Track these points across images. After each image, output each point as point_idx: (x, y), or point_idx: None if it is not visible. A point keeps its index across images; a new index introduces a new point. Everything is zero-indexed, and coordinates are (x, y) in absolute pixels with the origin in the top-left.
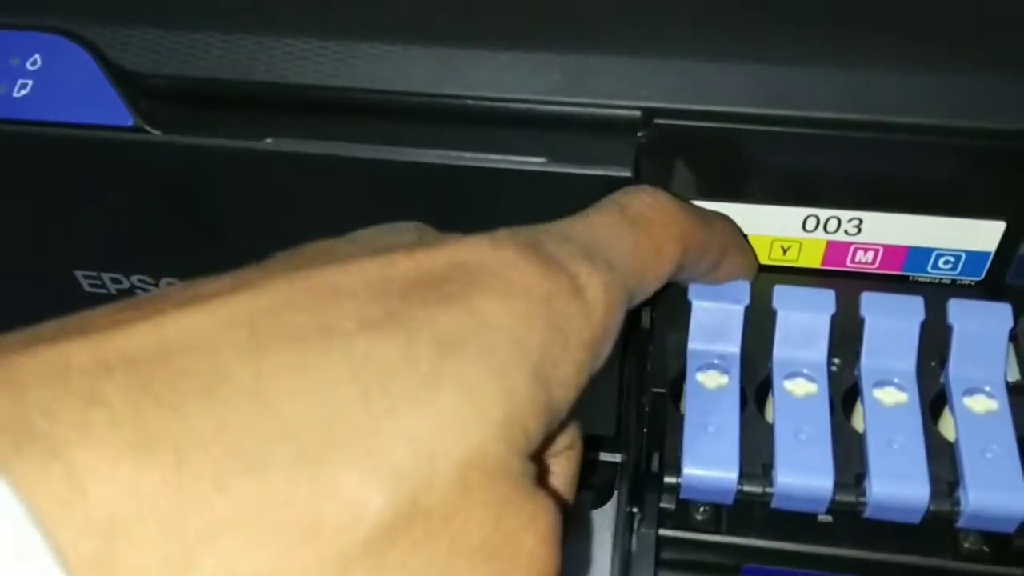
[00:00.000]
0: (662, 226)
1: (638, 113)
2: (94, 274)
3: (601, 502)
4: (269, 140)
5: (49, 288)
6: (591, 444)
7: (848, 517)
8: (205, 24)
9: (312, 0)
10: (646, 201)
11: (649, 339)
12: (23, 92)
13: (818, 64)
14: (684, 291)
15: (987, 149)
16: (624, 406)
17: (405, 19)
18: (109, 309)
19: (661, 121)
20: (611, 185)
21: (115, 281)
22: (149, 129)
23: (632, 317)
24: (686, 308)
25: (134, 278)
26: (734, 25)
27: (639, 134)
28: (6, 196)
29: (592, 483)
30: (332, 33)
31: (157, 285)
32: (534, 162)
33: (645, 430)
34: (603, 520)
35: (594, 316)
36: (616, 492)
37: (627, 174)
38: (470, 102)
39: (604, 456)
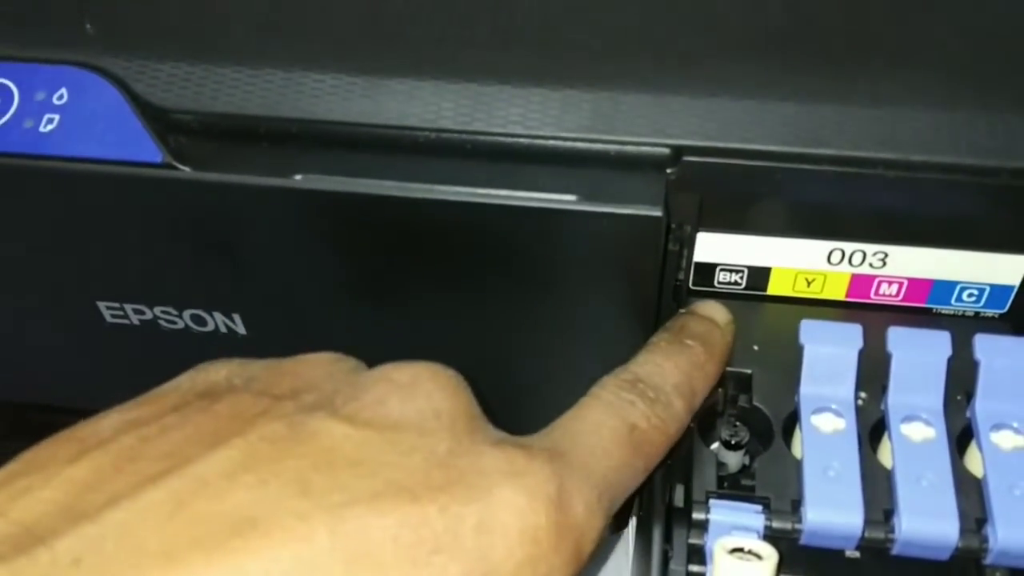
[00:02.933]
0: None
1: (667, 151)
2: (117, 305)
3: (618, 528)
4: (298, 177)
5: (71, 319)
6: None
7: (876, 553)
8: (233, 59)
9: (341, 36)
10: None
11: None
12: (50, 127)
13: (845, 102)
14: None
15: (1011, 187)
16: None
17: (434, 56)
18: None
19: (690, 159)
20: (640, 223)
21: (138, 312)
22: (178, 165)
23: None
24: None
25: (157, 309)
26: (761, 63)
27: (668, 171)
28: (31, 228)
29: None
30: (361, 69)
31: (180, 316)
32: (564, 200)
33: (669, 462)
34: (618, 545)
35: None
36: (634, 517)
37: (657, 214)
38: (499, 139)
39: None
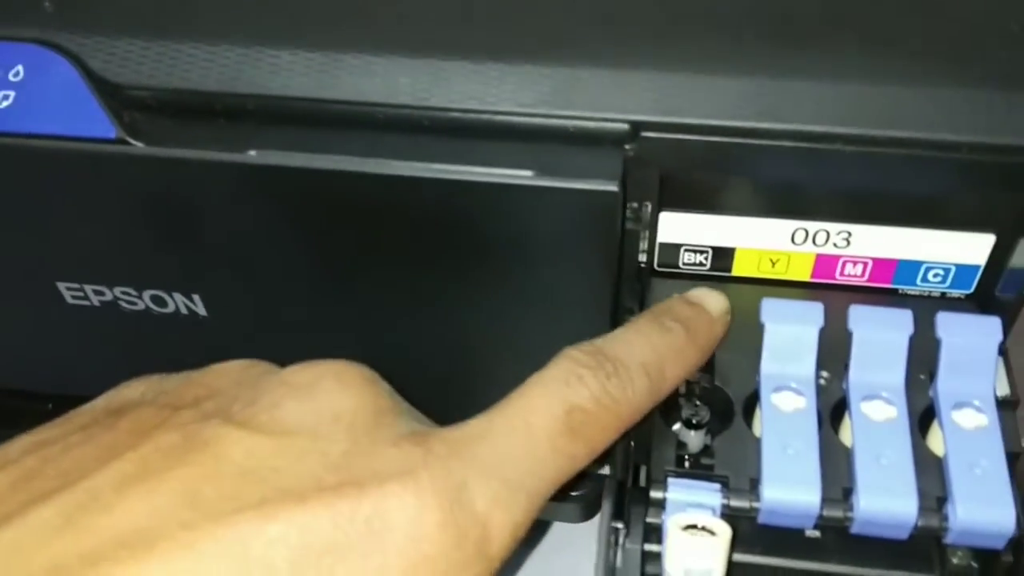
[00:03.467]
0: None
1: (626, 126)
2: (77, 286)
3: (588, 515)
4: (253, 152)
5: (32, 300)
6: None
7: (836, 533)
8: (189, 36)
9: (296, 12)
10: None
11: None
12: (5, 104)
13: (806, 77)
14: None
15: (976, 163)
16: None
17: (391, 31)
18: None
19: (648, 134)
20: (597, 199)
21: (98, 293)
22: (132, 141)
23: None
24: None
25: (117, 290)
26: (722, 38)
27: (626, 147)
28: None
29: (579, 495)
30: (317, 45)
31: (140, 297)
32: (521, 175)
33: (632, 443)
34: (590, 532)
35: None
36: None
37: (613, 188)
38: (456, 114)
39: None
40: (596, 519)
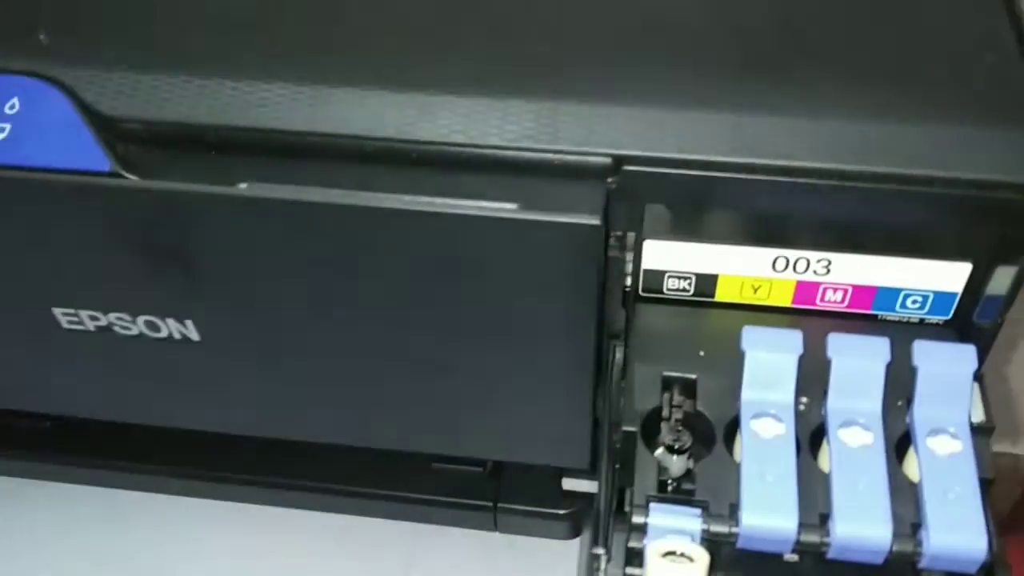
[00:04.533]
0: None
1: (608, 160)
2: (72, 311)
3: (576, 533)
4: (243, 185)
5: (28, 325)
6: (568, 471)
7: (814, 557)
8: (181, 69)
9: (286, 47)
10: None
11: (622, 374)
12: (1, 136)
13: (785, 113)
14: (656, 327)
15: (952, 196)
16: (598, 440)
17: (378, 66)
18: None
19: (630, 168)
20: (580, 232)
21: (93, 318)
22: (125, 174)
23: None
24: (659, 344)
25: (112, 315)
26: (703, 74)
27: (609, 180)
28: None
29: (566, 514)
30: (305, 79)
31: (134, 322)
32: (505, 208)
33: (617, 466)
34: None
35: None
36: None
37: (596, 222)
38: (442, 147)
39: (580, 484)
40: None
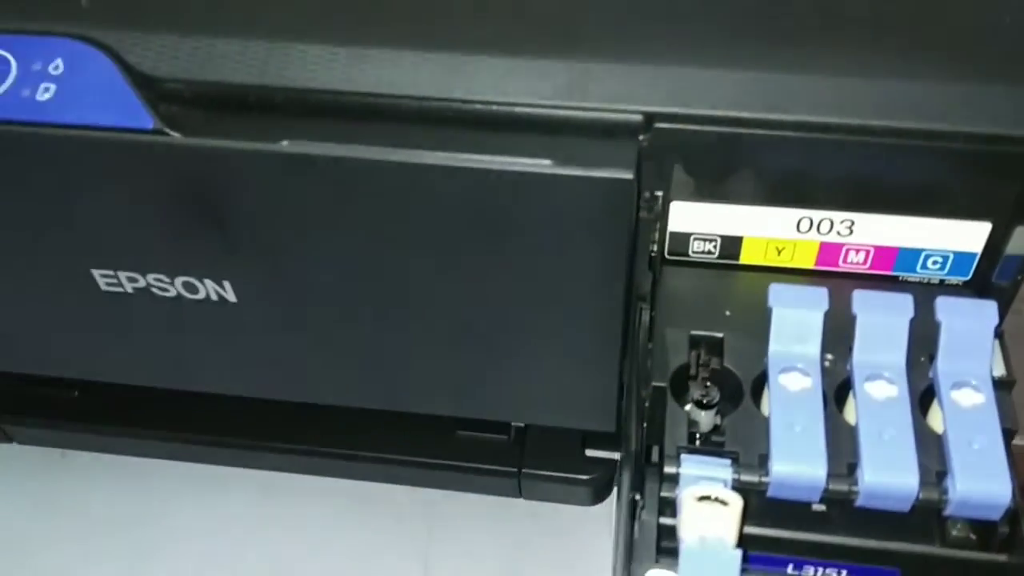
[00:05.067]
0: None
1: (639, 117)
2: (111, 273)
3: (598, 498)
4: (285, 143)
5: (67, 286)
6: (587, 441)
7: (841, 506)
8: (222, 30)
9: (324, 8)
10: None
11: (649, 336)
12: (46, 96)
13: (812, 71)
14: (683, 288)
15: (972, 153)
16: (624, 402)
17: (415, 26)
18: None
19: (661, 125)
20: (613, 186)
21: (131, 280)
22: (168, 131)
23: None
24: (686, 305)
25: (150, 276)
26: (732, 33)
27: (640, 137)
28: (28, 195)
29: (590, 479)
30: (344, 39)
31: (172, 283)
32: (539, 164)
33: (645, 424)
34: (602, 513)
35: None
36: (616, 487)
37: (629, 176)
38: (478, 106)
39: (602, 454)
40: (606, 502)
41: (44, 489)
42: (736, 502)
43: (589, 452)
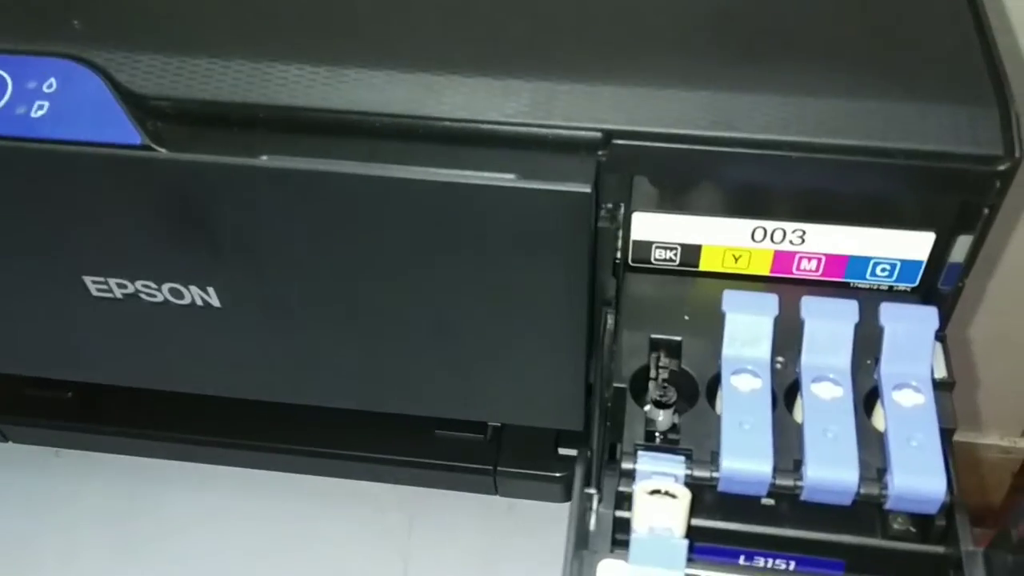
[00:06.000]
0: None
1: (599, 135)
2: (101, 279)
3: (569, 496)
4: (264, 157)
5: (60, 293)
6: (560, 440)
7: (789, 500)
8: (207, 51)
9: (303, 30)
10: None
11: (613, 339)
12: (40, 113)
13: (761, 91)
14: (645, 294)
15: (914, 168)
16: (590, 402)
17: (389, 47)
18: None
19: (619, 142)
20: (572, 199)
21: (120, 286)
22: (155, 147)
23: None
24: (647, 309)
25: (138, 283)
26: (686, 55)
27: (599, 153)
28: (22, 207)
29: (561, 476)
30: (321, 60)
31: (159, 289)
32: (504, 178)
33: (608, 424)
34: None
35: None
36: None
37: (587, 190)
38: (447, 123)
39: (574, 452)
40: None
41: (38, 485)
42: (684, 496)
43: (562, 450)
